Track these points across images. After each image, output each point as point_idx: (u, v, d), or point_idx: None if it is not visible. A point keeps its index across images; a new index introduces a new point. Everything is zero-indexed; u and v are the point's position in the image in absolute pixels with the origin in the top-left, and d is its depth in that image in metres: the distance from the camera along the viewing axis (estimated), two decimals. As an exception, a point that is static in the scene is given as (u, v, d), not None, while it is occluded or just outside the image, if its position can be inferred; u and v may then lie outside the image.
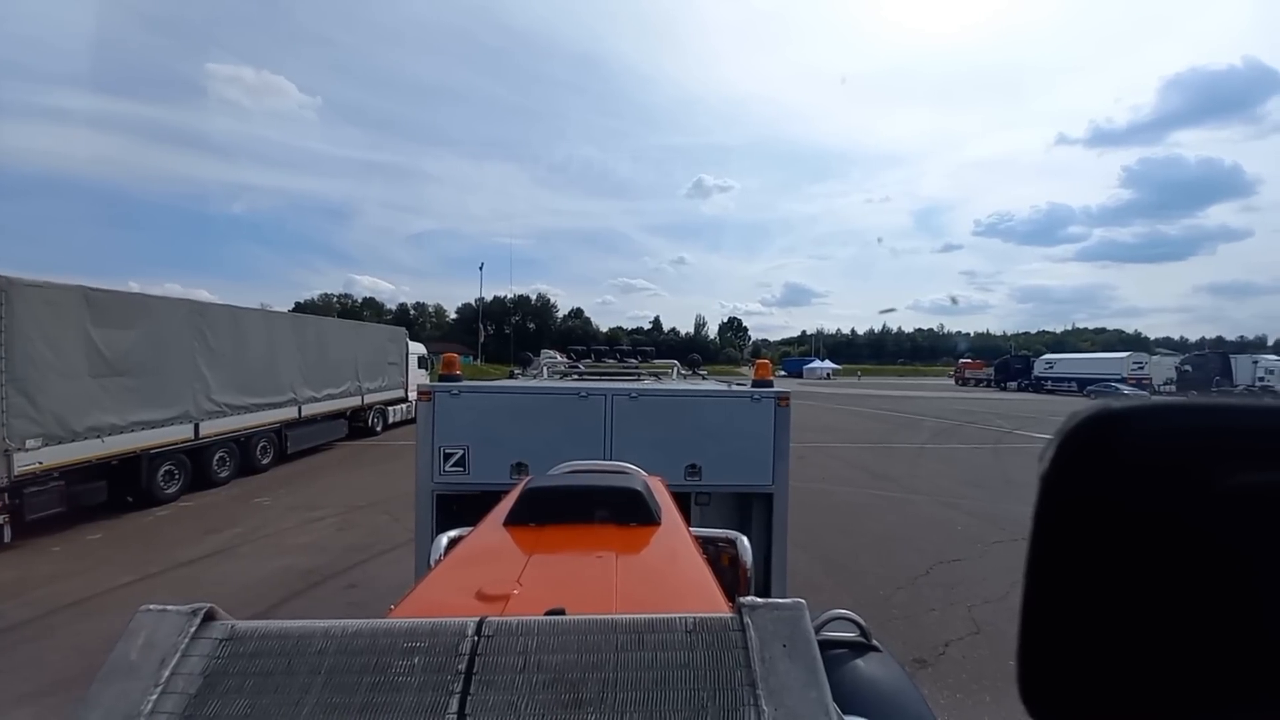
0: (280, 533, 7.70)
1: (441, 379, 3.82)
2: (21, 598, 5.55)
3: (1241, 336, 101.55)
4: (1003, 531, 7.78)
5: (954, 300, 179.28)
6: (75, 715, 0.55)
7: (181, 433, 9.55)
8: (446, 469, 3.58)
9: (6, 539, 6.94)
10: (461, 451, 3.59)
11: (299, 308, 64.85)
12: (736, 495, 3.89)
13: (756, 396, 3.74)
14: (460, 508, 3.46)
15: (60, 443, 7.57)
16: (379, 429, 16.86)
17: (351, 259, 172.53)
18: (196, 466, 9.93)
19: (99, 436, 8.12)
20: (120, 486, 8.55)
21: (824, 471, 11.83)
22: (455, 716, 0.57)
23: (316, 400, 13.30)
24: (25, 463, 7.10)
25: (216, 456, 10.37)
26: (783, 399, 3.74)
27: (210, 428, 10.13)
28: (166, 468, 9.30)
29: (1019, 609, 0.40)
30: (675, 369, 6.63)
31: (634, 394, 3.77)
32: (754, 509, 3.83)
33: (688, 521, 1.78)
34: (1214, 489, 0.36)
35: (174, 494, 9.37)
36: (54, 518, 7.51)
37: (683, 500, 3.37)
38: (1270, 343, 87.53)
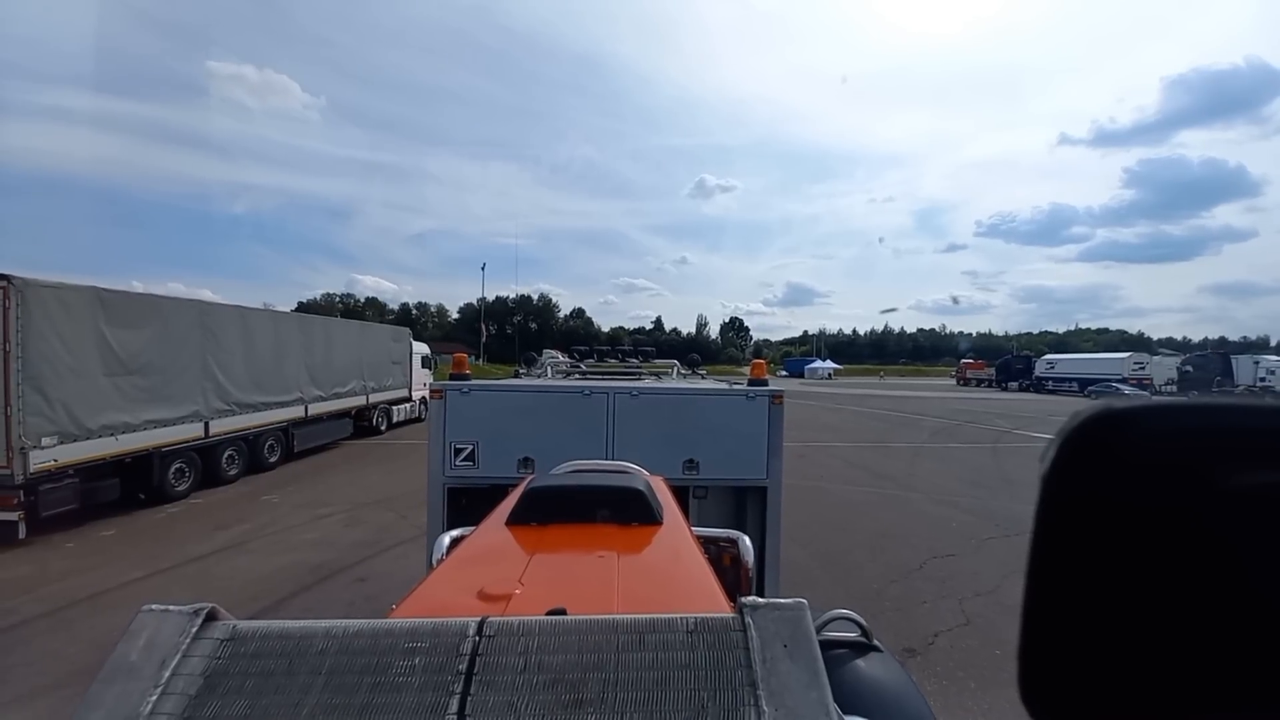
0: (289, 529, 7.84)
1: (452, 377, 3.97)
2: (36, 593, 5.67)
3: (1244, 337, 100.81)
4: (997, 528, 7.89)
5: (956, 300, 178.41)
6: (76, 716, 0.55)
7: (192, 431, 9.70)
8: (457, 463, 3.73)
9: (21, 535, 7.05)
10: (471, 446, 3.73)
11: (301, 307, 64.67)
12: (733, 489, 4.03)
13: (751, 395, 3.88)
14: (470, 500, 3.62)
15: (75, 440, 7.71)
16: (383, 428, 16.85)
17: (354, 259, 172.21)
18: (206, 464, 10.08)
19: (112, 434, 8.26)
20: (132, 484, 8.70)
21: (823, 470, 11.94)
22: (455, 717, 0.57)
23: (323, 399, 13.44)
24: (40, 460, 7.23)
25: (226, 454, 10.52)
26: (776, 397, 3.88)
27: (220, 426, 10.28)
28: (177, 465, 9.45)
29: (1020, 609, 0.40)
30: (675, 368, 6.75)
31: (635, 392, 3.91)
32: (749, 503, 3.98)
33: (687, 516, 1.81)
34: (1215, 489, 0.36)
35: (184, 491, 9.52)
36: (68, 514, 7.64)
37: (681, 494, 3.51)
38: (1273, 343, 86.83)
